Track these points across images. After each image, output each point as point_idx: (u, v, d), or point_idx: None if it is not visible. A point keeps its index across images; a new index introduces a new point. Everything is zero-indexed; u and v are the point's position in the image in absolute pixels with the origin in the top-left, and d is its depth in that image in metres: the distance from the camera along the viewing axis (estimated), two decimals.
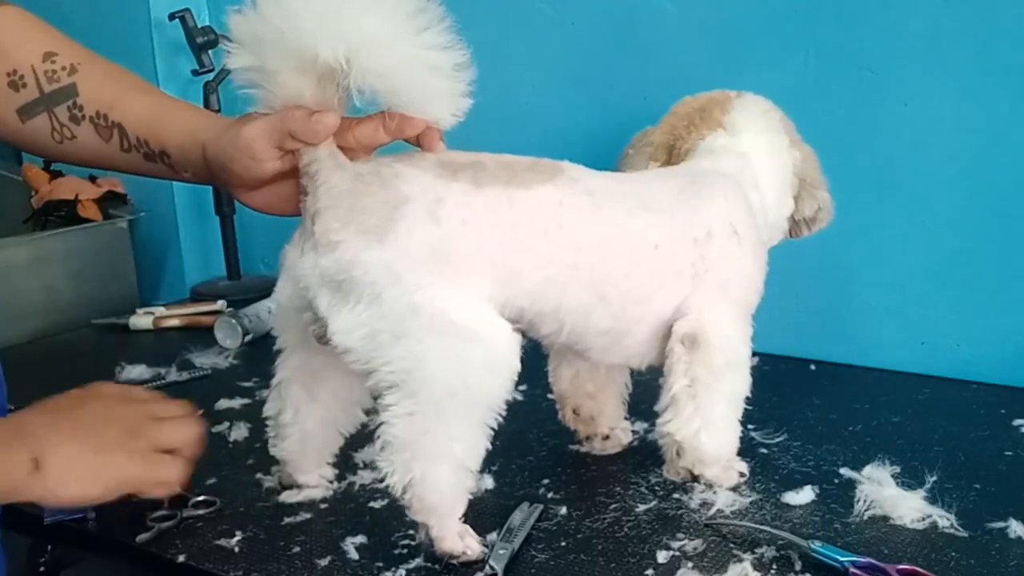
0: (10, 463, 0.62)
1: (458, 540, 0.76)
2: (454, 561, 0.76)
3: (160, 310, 1.52)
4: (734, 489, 0.87)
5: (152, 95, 0.81)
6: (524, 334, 0.81)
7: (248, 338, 1.36)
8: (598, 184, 0.84)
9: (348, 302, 0.73)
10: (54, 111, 0.76)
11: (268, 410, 0.87)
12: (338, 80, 0.70)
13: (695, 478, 0.88)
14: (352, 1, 0.69)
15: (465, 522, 0.78)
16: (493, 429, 0.76)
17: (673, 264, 0.85)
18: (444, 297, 0.73)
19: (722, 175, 0.91)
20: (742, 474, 0.89)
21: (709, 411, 0.86)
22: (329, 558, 0.78)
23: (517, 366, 0.76)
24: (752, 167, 0.93)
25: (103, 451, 0.71)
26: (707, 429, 0.86)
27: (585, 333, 0.84)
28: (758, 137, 0.95)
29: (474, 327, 0.74)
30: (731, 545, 0.78)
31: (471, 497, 0.86)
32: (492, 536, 0.79)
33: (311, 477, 0.89)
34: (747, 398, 0.90)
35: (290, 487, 0.89)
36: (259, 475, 0.93)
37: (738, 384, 0.88)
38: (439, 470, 0.74)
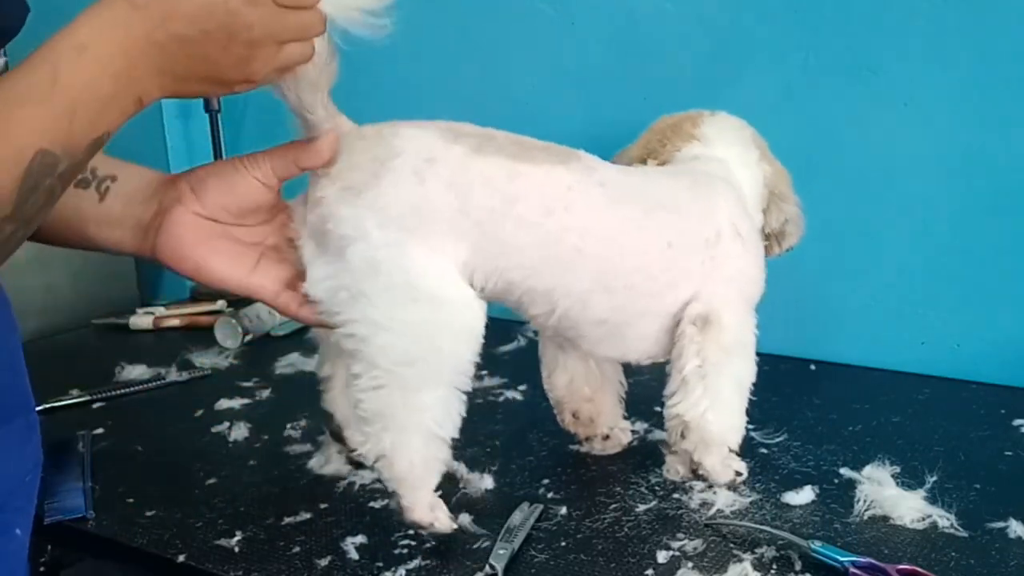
0: (118, 103, 0.60)
1: (427, 511, 0.77)
2: (423, 532, 0.77)
3: (160, 310, 1.52)
4: (734, 489, 0.87)
5: None
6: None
7: (248, 338, 1.36)
8: (612, 176, 0.85)
9: (323, 254, 0.75)
10: None
11: (316, 366, 0.91)
12: None
13: (695, 473, 0.89)
14: None
15: (462, 520, 0.79)
16: (467, 392, 0.77)
17: (684, 262, 0.86)
18: (409, 257, 0.74)
19: (719, 178, 0.92)
20: (739, 473, 0.89)
21: (716, 392, 0.87)
22: (329, 558, 0.78)
23: (480, 328, 0.77)
24: (733, 173, 0.95)
25: (206, 90, 0.66)
26: (714, 409, 0.87)
27: (580, 320, 0.85)
28: (729, 148, 0.96)
29: (433, 289, 0.75)
30: (731, 545, 0.78)
31: (472, 496, 0.87)
32: (490, 535, 0.79)
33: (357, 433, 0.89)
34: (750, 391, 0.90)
35: (340, 441, 0.89)
36: (260, 475, 0.94)
37: (745, 368, 0.89)
38: (409, 441, 0.75)
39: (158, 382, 1.23)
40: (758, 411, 0.94)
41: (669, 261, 0.85)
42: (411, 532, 0.78)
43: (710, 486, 0.88)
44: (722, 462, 0.88)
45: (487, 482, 0.90)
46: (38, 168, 0.57)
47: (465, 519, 0.81)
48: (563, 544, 0.79)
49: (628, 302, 0.85)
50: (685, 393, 0.87)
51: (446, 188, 0.76)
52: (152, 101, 0.63)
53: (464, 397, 0.77)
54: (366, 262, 0.73)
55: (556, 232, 0.80)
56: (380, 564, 0.77)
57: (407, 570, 0.76)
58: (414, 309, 0.74)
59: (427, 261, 0.75)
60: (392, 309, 0.74)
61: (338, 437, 0.90)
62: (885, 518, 0.81)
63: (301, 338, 1.35)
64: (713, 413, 0.87)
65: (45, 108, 0.57)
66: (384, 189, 0.74)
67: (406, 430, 0.75)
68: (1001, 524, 0.79)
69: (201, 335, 1.40)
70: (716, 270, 0.87)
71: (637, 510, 0.85)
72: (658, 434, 0.96)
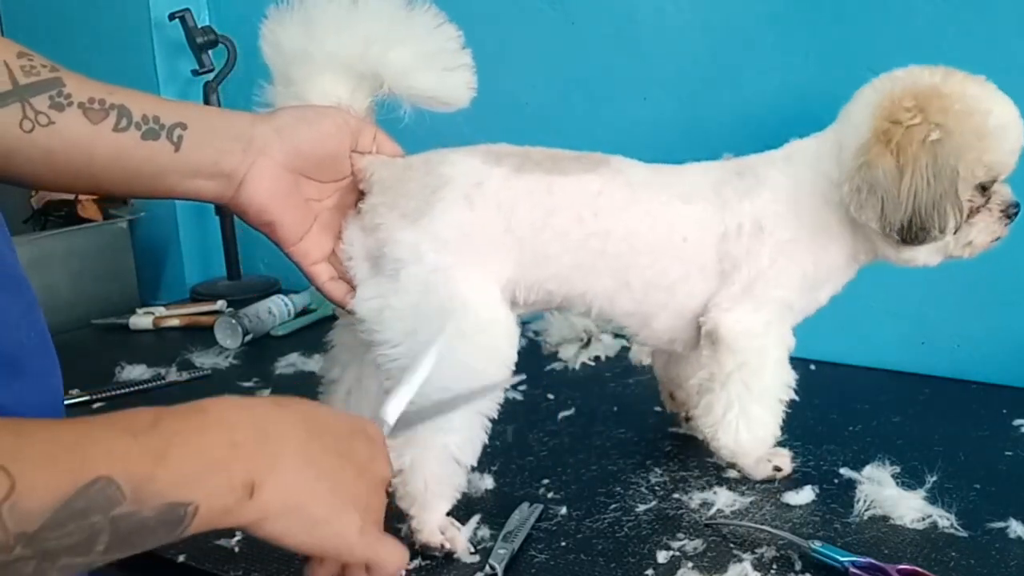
0: (220, 484, 0.49)
1: (436, 534, 0.77)
2: (436, 554, 0.76)
3: (160, 310, 1.52)
4: (734, 489, 0.87)
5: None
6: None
7: (248, 338, 1.36)
8: (641, 176, 0.85)
9: (377, 275, 0.78)
10: (29, 101, 0.69)
11: (320, 370, 0.91)
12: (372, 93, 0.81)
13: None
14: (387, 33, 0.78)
15: (463, 520, 0.78)
16: (492, 420, 0.77)
17: (699, 257, 0.86)
18: (458, 279, 0.77)
19: (775, 169, 0.88)
20: (778, 468, 0.89)
21: (725, 409, 0.87)
22: None
23: (513, 355, 0.78)
24: (813, 146, 0.89)
25: (333, 498, 0.56)
26: (723, 428, 0.87)
27: (613, 315, 0.87)
28: (849, 120, 0.89)
29: (478, 312, 0.77)
30: (731, 545, 0.78)
31: (472, 496, 0.87)
32: (490, 535, 0.79)
33: None
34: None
35: None
36: None
37: (765, 383, 0.88)
38: (427, 460, 0.76)
39: (158, 382, 1.23)
40: None
41: (683, 256, 0.85)
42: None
43: (710, 486, 0.88)
44: (756, 463, 0.89)
45: (487, 482, 0.90)
46: (93, 496, 0.45)
47: (464, 520, 0.81)
48: (563, 544, 0.79)
49: (646, 296, 0.85)
50: (699, 405, 0.89)
51: (495, 210, 0.79)
52: (268, 496, 0.51)
53: (489, 425, 0.78)
54: (418, 284, 0.76)
55: (583, 238, 0.81)
56: None
57: (407, 570, 0.75)
58: (459, 333, 0.75)
59: (475, 283, 0.77)
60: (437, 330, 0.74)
61: None
62: (885, 518, 0.81)
63: (301, 338, 1.36)
64: (723, 431, 0.87)
65: (130, 439, 0.48)
66: (438, 215, 0.77)
67: (427, 448, 0.76)
68: (1001, 524, 0.79)
69: (201, 335, 1.40)
70: (736, 270, 0.85)
71: (637, 510, 0.85)
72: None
